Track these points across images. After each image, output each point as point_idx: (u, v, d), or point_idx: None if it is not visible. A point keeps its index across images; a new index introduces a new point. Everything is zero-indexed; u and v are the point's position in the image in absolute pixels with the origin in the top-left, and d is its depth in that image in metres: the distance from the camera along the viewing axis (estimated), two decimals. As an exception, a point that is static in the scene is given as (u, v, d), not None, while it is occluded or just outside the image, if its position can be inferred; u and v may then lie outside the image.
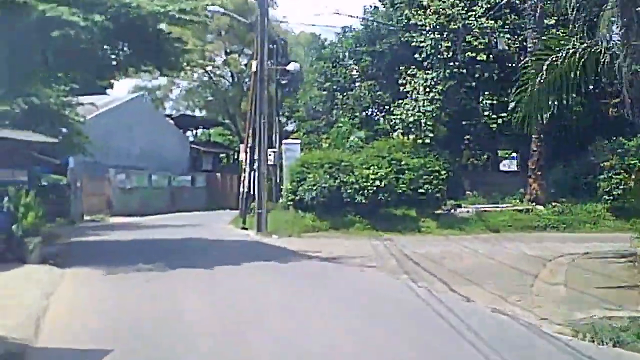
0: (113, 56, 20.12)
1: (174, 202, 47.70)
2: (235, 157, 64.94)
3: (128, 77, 21.58)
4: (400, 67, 34.62)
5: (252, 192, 29.86)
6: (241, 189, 33.32)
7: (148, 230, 28.08)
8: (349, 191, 28.38)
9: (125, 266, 15.62)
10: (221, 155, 63.99)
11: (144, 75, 60.07)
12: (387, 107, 36.38)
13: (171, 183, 47.88)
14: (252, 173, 29.63)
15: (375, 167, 28.99)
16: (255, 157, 28.78)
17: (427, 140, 32.05)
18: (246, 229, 28.77)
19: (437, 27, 32.95)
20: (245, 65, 59.43)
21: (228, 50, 61.31)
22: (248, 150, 30.71)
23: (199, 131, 66.99)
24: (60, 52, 18.84)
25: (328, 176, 28.54)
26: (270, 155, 29.58)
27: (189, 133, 61.64)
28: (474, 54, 32.45)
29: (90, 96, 49.59)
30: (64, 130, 30.93)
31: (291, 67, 31.40)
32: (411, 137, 32.78)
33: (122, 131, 44.96)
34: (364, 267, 17.51)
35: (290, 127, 54.20)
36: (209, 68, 61.06)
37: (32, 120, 28.30)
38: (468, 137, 35.20)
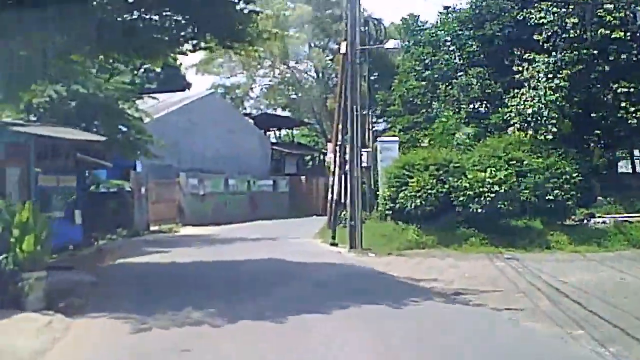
0: (164, 25, 15.41)
1: (253, 208, 43.14)
2: (321, 159, 60.16)
3: (182, 54, 16.49)
4: (515, 51, 29.05)
5: (342, 200, 24.89)
6: (329, 195, 28.38)
7: (217, 248, 23.29)
8: (460, 198, 23.15)
9: (166, 312, 10.75)
10: (305, 157, 59.30)
11: (221, 71, 56.64)
12: (498, 98, 30.84)
13: (250, 188, 43.30)
14: (342, 176, 24.60)
15: (493, 169, 23.62)
16: (347, 157, 23.82)
17: (550, 137, 26.41)
18: (336, 244, 23.75)
19: (562, 0, 27.29)
20: (332, 59, 54.53)
21: (312, 44, 56.54)
22: (337, 149, 25.74)
23: (281, 132, 62.44)
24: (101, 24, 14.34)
25: (435, 180, 23.36)
26: (363, 155, 24.46)
27: (270, 134, 57.06)
28: (607, 32, 26.60)
29: (164, 94, 45.89)
30: (123, 128, 26.63)
31: (391, 44, 26.02)
32: (530, 132, 27.24)
33: (196, 131, 40.68)
34: (508, 311, 12.22)
35: (380, 127, 49.07)
36: (291, 64, 56.51)
37: (85, 116, 24.12)
38: (598, 132, 29.30)
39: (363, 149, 24.84)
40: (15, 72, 15.22)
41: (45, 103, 21.36)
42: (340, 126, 26.01)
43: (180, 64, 64.60)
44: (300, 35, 53.64)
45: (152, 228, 31.43)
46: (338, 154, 24.85)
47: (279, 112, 58.91)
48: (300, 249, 23.09)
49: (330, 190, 28.28)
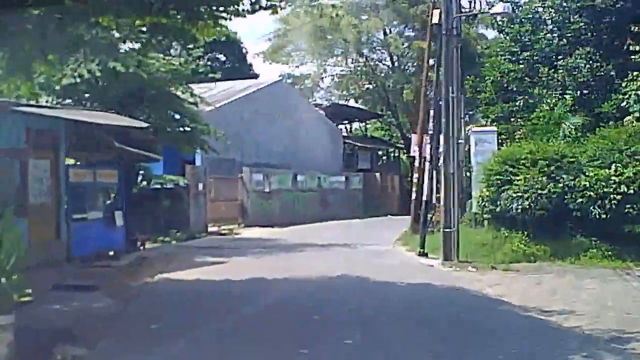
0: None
1: (323, 207, 39.40)
2: (396, 154, 56.05)
3: (239, 15, 12.53)
4: (632, 28, 24.57)
5: (431, 200, 20.87)
6: (414, 195, 24.43)
7: (281, 258, 19.45)
8: (579, 200, 18.82)
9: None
10: (378, 152, 55.29)
11: (290, 60, 52.99)
12: (610, 83, 26.38)
13: (321, 185, 39.52)
14: (432, 173, 20.54)
15: (619, 165, 19.24)
16: (438, 149, 19.77)
17: (680, 126, 22.02)
18: (425, 254, 19.65)
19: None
20: (409, 46, 50.35)
21: (387, 30, 52.42)
22: (427, 139, 21.72)
23: (352, 126, 58.50)
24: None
25: (545, 178, 19.12)
26: (459, 147, 20.35)
27: (340, 127, 53.11)
28: None
29: (228, 81, 42.56)
30: (176, 116, 23.19)
31: (499, 7, 21.60)
32: (654, 122, 22.94)
33: (261, 122, 37.15)
34: None
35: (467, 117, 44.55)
36: (365, 51, 52.48)
37: (127, 100, 20.66)
38: None
39: (460, 140, 20.74)
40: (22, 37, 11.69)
41: (75, 85, 17.91)
42: (425, 114, 22.01)
43: (246, 52, 61.64)
44: (374, 20, 49.68)
45: (210, 229, 27.98)
46: (429, 146, 20.73)
47: (351, 103, 54.88)
48: (383, 261, 19.13)
49: (415, 188, 24.28)
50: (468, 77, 30.65)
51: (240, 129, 35.12)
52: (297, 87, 51.37)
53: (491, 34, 47.69)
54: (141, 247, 20.78)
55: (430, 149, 20.53)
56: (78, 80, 17.95)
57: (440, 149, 19.29)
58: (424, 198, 20.39)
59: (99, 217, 18.47)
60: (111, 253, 18.28)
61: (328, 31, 49.14)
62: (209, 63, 57.14)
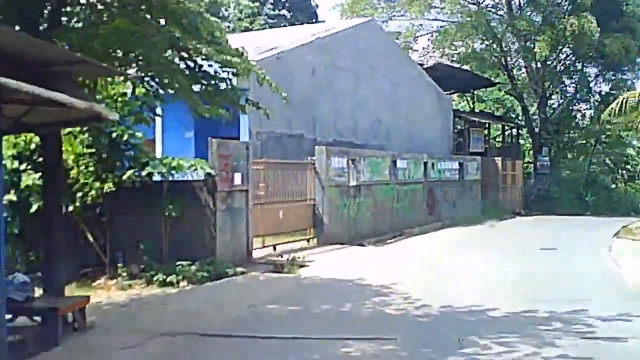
0: None
1: (431, 207, 27.04)
2: (514, 133, 43.03)
3: None
4: None
5: None
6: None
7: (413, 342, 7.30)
8: None
9: None
10: (491, 130, 42.47)
11: (377, 13, 40.52)
12: None
13: (427, 173, 26.91)
14: None
15: None
16: None
17: None
18: None
19: None
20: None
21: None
22: None
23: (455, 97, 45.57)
24: None
25: None
26: None
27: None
28: None
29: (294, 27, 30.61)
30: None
31: None
32: None
33: (342, 81, 24.93)
34: None
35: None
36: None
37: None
38: None
39: None
40: None
41: None
42: None
43: (317, 6, 49.74)
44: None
45: (257, 253, 15.93)
46: None
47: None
48: None
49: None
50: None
51: (310, 91, 23.03)
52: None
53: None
54: (74, 324, 8.91)
55: None
56: None
57: None
58: None
59: None
60: None
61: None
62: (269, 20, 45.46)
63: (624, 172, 46.95)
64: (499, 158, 34.90)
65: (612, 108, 26.47)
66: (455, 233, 24.03)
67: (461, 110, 40.90)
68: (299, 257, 15.76)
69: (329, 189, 19.40)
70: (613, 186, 45.81)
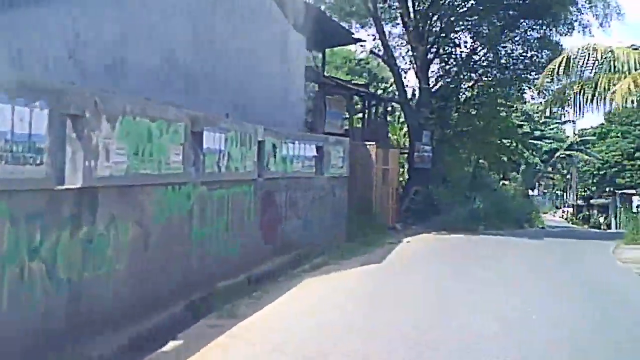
0: None
1: (272, 228, 14.41)
2: (385, 108, 31.07)
3: None
4: None
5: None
6: None
7: None
8: None
9: None
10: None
11: None
12: None
13: (264, 164, 14.06)
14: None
15: None
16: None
17: None
18: None
19: None
20: None
21: None
22: None
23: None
24: None
25: None
26: None
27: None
28: None
29: None
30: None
31: None
32: None
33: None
34: None
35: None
36: None
37: None
38: None
39: None
40: None
41: None
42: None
43: None
44: None
45: None
46: None
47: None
48: None
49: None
50: None
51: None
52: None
53: None
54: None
55: None
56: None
57: None
58: None
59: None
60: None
61: None
62: None
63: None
64: (372, 143, 22.76)
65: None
66: (321, 298, 11.62)
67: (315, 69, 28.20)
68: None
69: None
70: (497, 187, 35.69)
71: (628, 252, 20.03)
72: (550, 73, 21.52)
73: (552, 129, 58.94)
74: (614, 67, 20.54)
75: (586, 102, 21.50)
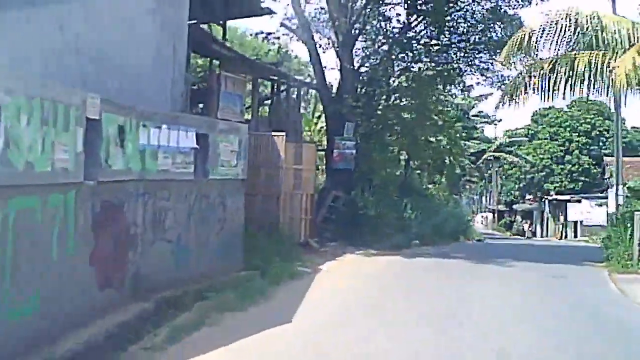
0: None
1: (112, 260, 8.69)
2: (302, 93, 25.71)
3: None
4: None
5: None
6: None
7: None
8: None
9: None
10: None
11: None
12: None
13: (99, 157, 8.46)
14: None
15: None
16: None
17: None
18: None
19: None
20: None
21: None
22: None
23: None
24: None
25: None
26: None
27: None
28: None
29: None
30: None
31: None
32: None
33: None
34: None
35: None
36: None
37: None
38: None
39: None
40: None
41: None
42: None
43: None
44: None
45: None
46: None
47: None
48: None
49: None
50: None
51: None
52: None
53: None
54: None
55: None
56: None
57: None
58: None
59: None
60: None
61: None
62: None
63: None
64: (281, 134, 17.25)
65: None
66: None
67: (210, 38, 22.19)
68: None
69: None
70: (427, 192, 30.95)
71: (636, 287, 14.58)
72: (517, 42, 16.48)
73: (478, 128, 54.88)
74: (602, 40, 15.69)
75: (557, 85, 16.64)
